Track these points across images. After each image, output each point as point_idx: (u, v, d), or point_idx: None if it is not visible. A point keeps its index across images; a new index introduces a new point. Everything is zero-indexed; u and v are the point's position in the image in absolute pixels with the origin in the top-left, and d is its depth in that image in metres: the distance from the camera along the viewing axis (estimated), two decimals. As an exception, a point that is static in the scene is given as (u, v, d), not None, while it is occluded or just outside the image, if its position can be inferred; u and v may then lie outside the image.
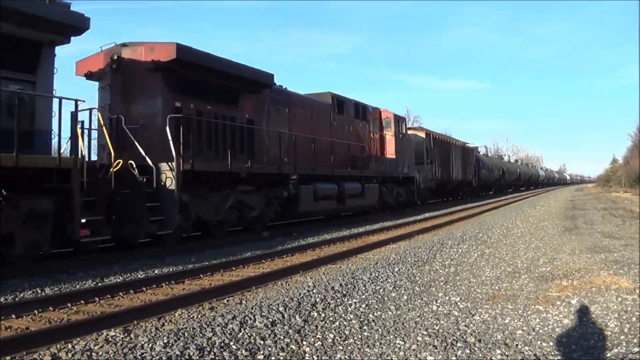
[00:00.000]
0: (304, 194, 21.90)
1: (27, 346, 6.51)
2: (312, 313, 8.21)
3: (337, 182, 24.72)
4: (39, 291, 10.36)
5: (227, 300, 9.28)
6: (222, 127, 18.26)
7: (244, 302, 9.10)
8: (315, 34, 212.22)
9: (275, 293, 9.64)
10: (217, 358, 6.16)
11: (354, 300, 9.09)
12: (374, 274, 11.37)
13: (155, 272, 12.31)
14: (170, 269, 12.55)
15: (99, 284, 10.90)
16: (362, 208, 28.63)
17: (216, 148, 17.92)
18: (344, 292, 9.63)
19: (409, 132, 37.19)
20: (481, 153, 69.98)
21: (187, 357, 6.10)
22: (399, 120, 32.68)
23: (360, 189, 26.76)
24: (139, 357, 6.04)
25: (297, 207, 21.68)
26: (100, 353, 6.28)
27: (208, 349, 6.37)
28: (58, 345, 6.63)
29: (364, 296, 9.44)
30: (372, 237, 19.49)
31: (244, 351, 6.41)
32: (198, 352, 6.26)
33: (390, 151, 31.49)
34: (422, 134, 41.13)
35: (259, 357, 6.30)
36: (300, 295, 9.25)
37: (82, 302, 9.23)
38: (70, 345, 6.62)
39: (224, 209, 17.76)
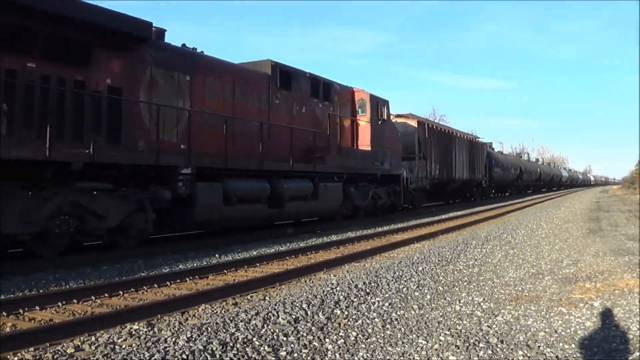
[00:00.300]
0: (204, 194, 15.64)
1: (51, 338, 6.53)
2: (335, 311, 8.18)
3: (271, 179, 18.63)
4: (64, 284, 10.40)
5: (251, 296, 9.31)
6: (56, 96, 12.68)
7: (267, 298, 9.14)
8: (343, 31, 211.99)
9: (299, 290, 9.65)
10: (239, 354, 6.15)
11: (377, 299, 9.05)
12: (397, 273, 11.31)
13: (180, 266, 12.40)
14: (195, 264, 12.64)
15: (123, 278, 10.92)
16: (314, 214, 22.69)
17: (42, 126, 12.07)
18: (368, 291, 9.59)
19: (397, 120, 31.87)
20: (496, 150, 62.57)
21: (210, 352, 6.09)
22: (378, 102, 26.25)
23: (311, 188, 20.60)
24: (162, 351, 6.03)
25: (191, 214, 15.45)
26: (123, 346, 6.30)
27: (231, 345, 6.36)
28: (81, 338, 6.66)
29: (387, 295, 9.39)
30: (396, 236, 19.33)
31: (266, 347, 6.40)
32: (221, 347, 6.24)
33: (364, 142, 25.28)
34: (413, 123, 33.81)
35: (282, 353, 6.29)
36: (323, 292, 9.21)
37: (106, 295, 9.28)
38: (93, 338, 6.66)
39: (41, 218, 12.11)
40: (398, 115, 33.18)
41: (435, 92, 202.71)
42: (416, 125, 33.53)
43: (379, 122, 26.28)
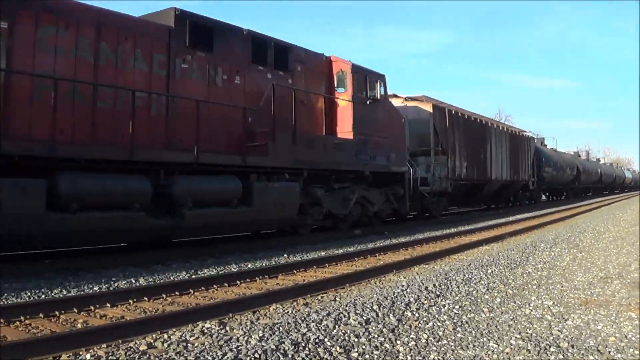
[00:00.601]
0: (4, 196, 10.26)
1: (123, 335, 6.57)
2: (405, 312, 8.10)
3: (156, 175, 13.03)
4: (134, 281, 10.54)
5: (321, 297, 9.23)
6: None
7: (337, 299, 9.06)
8: (406, 31, 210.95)
9: (369, 291, 9.56)
10: (311, 354, 6.12)
11: (448, 302, 8.94)
12: (467, 276, 11.18)
13: (249, 265, 12.49)
14: (264, 264, 12.69)
15: (193, 276, 11.05)
16: (249, 225, 16.19)
17: None
18: (438, 293, 9.49)
19: (407, 104, 26.30)
20: (549, 147, 53.38)
21: (282, 351, 6.07)
22: (366, 77, 19.95)
23: (238, 190, 14.54)
24: (235, 350, 6.04)
25: None
26: (196, 344, 6.31)
27: (303, 345, 6.34)
28: (154, 335, 6.68)
29: (457, 297, 9.27)
30: (465, 237, 19.04)
31: (338, 348, 6.35)
32: (293, 347, 6.22)
33: (344, 127, 19.02)
34: (427, 107, 26.74)
35: (353, 354, 6.22)
36: (394, 294, 9.14)
37: (176, 293, 9.30)
38: (166, 336, 6.67)
39: None
40: (409, 99, 27.44)
41: (500, 92, 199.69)
42: (431, 110, 26.71)
43: (367, 102, 19.89)
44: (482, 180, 31.98)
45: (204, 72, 14.77)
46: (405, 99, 26.86)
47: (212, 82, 14.96)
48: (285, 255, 14.17)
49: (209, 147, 14.20)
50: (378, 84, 20.34)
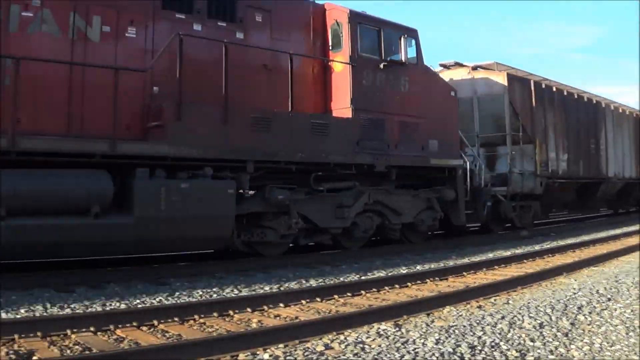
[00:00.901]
0: None
1: (300, 335, 6.71)
2: (578, 316, 7.98)
3: None
4: (304, 282, 10.77)
5: (494, 300, 9.20)
6: None
7: (510, 302, 9.00)
8: (560, 24, 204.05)
9: (541, 294, 9.47)
10: (487, 357, 6.15)
11: (619, 305, 8.73)
12: (636, 278, 10.84)
13: (417, 267, 12.53)
14: (432, 265, 12.73)
15: (362, 278, 11.19)
16: (118, 247, 10.44)
17: None
18: (609, 296, 9.29)
19: (474, 75, 20.59)
20: None
21: (459, 354, 6.14)
22: (380, 30, 14.23)
23: (102, 192, 9.63)
24: (412, 352, 6.14)
25: None
26: (372, 346, 6.42)
27: (479, 348, 6.38)
28: (330, 336, 6.81)
29: (628, 301, 9.02)
30: (630, 239, 18.32)
31: (514, 352, 6.34)
32: (470, 350, 6.29)
33: (340, 102, 13.57)
34: (500, 79, 19.93)
35: (529, 358, 6.20)
36: (566, 297, 9.04)
37: (348, 294, 9.44)
38: (342, 337, 6.79)
39: None
40: (477, 68, 21.02)
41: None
42: (505, 83, 19.76)
43: (381, 66, 14.11)
44: (593, 178, 24.10)
45: (64, 22, 10.17)
46: (473, 69, 20.89)
47: (80, 37, 10.35)
48: (453, 256, 14.22)
49: (75, 128, 10.22)
50: (403, 41, 14.09)
